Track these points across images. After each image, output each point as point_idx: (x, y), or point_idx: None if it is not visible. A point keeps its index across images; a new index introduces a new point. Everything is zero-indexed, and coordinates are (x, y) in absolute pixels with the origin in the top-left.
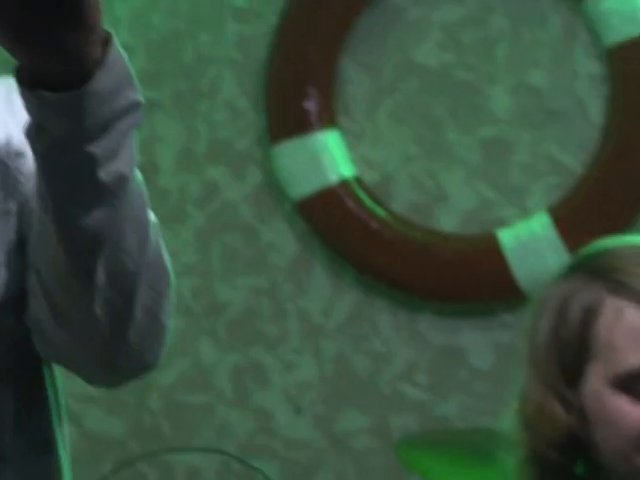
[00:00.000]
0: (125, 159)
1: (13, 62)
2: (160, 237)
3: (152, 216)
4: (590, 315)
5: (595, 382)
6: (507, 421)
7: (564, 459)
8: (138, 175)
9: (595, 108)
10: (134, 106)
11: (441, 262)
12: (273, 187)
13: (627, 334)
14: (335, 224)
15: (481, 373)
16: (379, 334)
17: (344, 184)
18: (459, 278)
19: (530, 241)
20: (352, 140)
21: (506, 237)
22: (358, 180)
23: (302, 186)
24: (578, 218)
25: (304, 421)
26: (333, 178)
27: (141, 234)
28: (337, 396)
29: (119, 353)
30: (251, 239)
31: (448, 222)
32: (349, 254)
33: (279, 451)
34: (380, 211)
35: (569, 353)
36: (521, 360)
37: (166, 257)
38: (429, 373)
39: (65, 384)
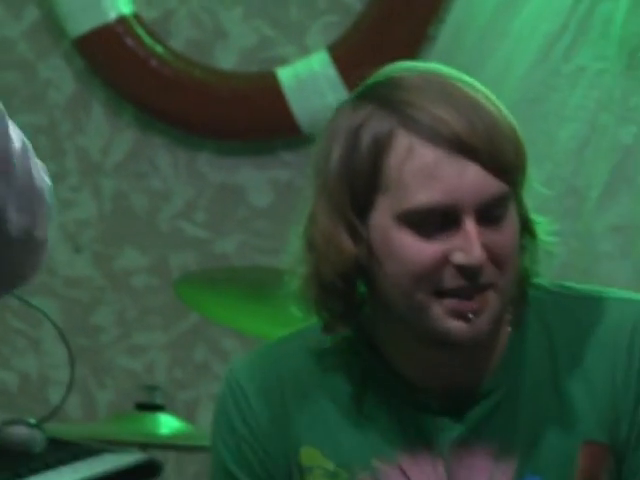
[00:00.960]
0: None
1: None
2: (32, 160)
3: (17, 144)
4: (381, 148)
5: (383, 215)
6: (292, 243)
7: (347, 285)
8: None
9: None
10: None
11: (220, 100)
12: (51, 23)
13: (417, 172)
14: (113, 61)
15: (260, 211)
16: (158, 172)
17: (122, 21)
18: (238, 116)
19: (309, 79)
20: None
21: (285, 75)
22: (137, 17)
23: (80, 23)
24: (357, 56)
25: (83, 259)
26: (111, 15)
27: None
28: (116, 234)
29: None
30: (29, 76)
31: (227, 60)
32: (127, 92)
33: (58, 289)
34: (159, 48)
35: (360, 184)
36: (301, 198)
37: (40, 179)
38: (208, 211)
39: None
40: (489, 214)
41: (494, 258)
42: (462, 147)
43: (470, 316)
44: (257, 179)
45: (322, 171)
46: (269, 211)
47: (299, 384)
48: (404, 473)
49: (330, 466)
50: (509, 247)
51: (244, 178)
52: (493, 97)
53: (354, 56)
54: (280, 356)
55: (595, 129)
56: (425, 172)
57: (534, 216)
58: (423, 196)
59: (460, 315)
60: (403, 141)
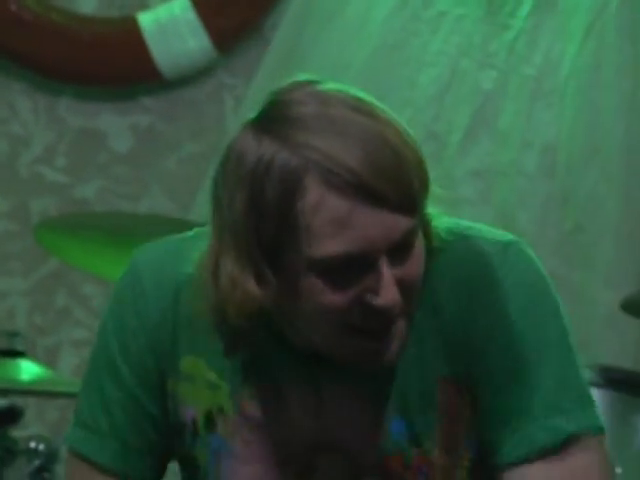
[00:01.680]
0: None
1: None
2: None
3: None
4: (289, 196)
5: (294, 262)
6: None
7: (251, 323)
8: None
9: None
10: None
11: (80, 45)
12: None
13: (327, 221)
14: None
15: (120, 156)
16: (17, 117)
17: None
18: (99, 61)
19: (170, 24)
20: None
21: (146, 20)
22: None
23: None
24: (217, 0)
25: None
26: None
27: None
28: None
29: None
30: None
31: (87, 4)
32: None
33: None
34: None
35: (268, 229)
36: (161, 144)
37: None
38: (68, 156)
39: None
40: (399, 249)
41: (404, 290)
42: (372, 195)
43: (381, 351)
44: (117, 124)
45: (225, 213)
46: (129, 156)
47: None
48: (280, 397)
49: (213, 377)
50: (417, 275)
51: (104, 123)
52: (397, 122)
53: (214, 1)
54: (179, 255)
55: (455, 74)
56: (336, 222)
57: (429, 210)
58: (335, 246)
59: (372, 352)
60: (312, 191)
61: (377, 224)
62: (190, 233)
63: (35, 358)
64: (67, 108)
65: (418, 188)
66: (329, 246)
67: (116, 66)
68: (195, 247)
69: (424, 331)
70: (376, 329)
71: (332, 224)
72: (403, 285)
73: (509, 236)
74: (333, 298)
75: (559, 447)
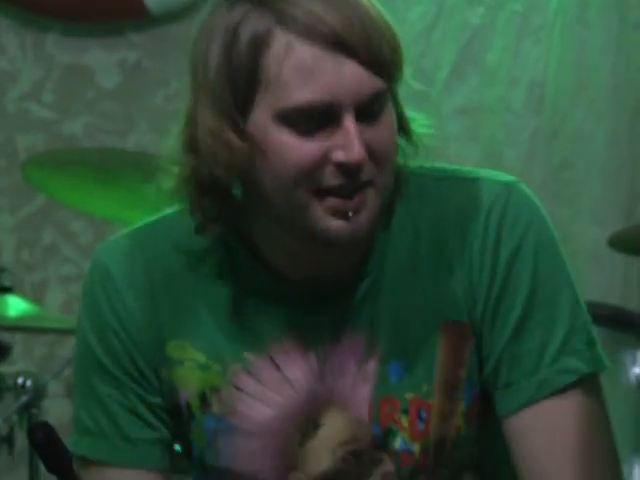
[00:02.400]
0: None
1: None
2: None
3: None
4: (259, 46)
5: (263, 114)
6: (165, 143)
7: (227, 184)
8: None
9: None
10: None
11: None
12: None
13: (294, 70)
14: None
15: (107, 92)
16: (5, 53)
17: None
18: None
19: None
20: None
21: None
22: None
23: None
24: None
25: None
26: None
27: None
28: None
29: None
30: None
31: None
32: None
33: None
34: None
35: (240, 82)
36: (148, 80)
37: None
38: (56, 93)
39: None
40: (367, 111)
41: (373, 155)
42: (339, 44)
43: (350, 214)
44: (105, 60)
45: (201, 71)
46: (117, 92)
47: (169, 281)
48: (275, 363)
49: (201, 358)
50: (387, 144)
51: (92, 59)
52: None
53: None
54: (148, 245)
55: (443, 10)
56: (303, 70)
57: (409, 113)
58: (302, 94)
59: (340, 213)
60: (281, 39)
61: (344, 75)
62: (153, 220)
63: (22, 294)
64: (54, 44)
65: (389, 54)
66: (296, 95)
67: (103, 2)
68: (164, 236)
69: (427, 278)
70: (344, 189)
71: (299, 73)
72: (371, 150)
73: (508, 177)
74: (301, 151)
75: (572, 387)
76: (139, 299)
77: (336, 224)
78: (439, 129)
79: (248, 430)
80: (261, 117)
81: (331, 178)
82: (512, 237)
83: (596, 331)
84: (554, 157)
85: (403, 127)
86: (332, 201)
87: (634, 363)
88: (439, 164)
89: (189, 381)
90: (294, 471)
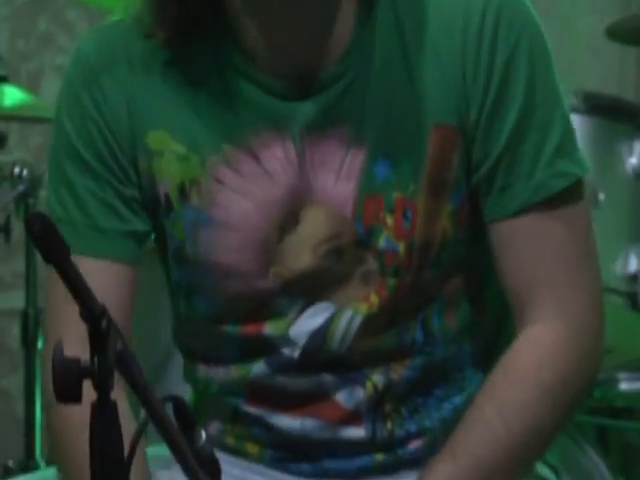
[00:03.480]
0: None
1: None
2: None
3: None
4: None
5: None
6: None
7: None
8: None
9: None
10: None
11: None
12: None
13: None
14: None
15: None
16: None
17: None
18: None
19: None
20: None
21: None
22: None
23: None
24: None
25: None
26: None
27: None
28: None
29: None
30: None
31: None
32: None
33: None
34: None
35: None
36: None
37: None
38: None
39: None
40: None
41: None
42: None
43: None
44: None
45: None
46: None
47: (147, 70)
48: (253, 154)
49: (180, 149)
50: None
51: None
52: None
53: None
54: (129, 35)
55: None
56: None
57: None
58: None
59: None
60: None
61: None
62: (135, 11)
63: (18, 83)
64: None
65: None
66: None
67: None
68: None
69: (417, 71)
70: None
71: None
72: None
73: None
74: None
75: (562, 193)
76: (118, 88)
77: None
78: None
79: (227, 223)
80: None
81: None
82: (508, 41)
83: (593, 121)
84: None
85: None
86: None
87: (631, 154)
88: None
89: (168, 172)
90: (274, 266)
